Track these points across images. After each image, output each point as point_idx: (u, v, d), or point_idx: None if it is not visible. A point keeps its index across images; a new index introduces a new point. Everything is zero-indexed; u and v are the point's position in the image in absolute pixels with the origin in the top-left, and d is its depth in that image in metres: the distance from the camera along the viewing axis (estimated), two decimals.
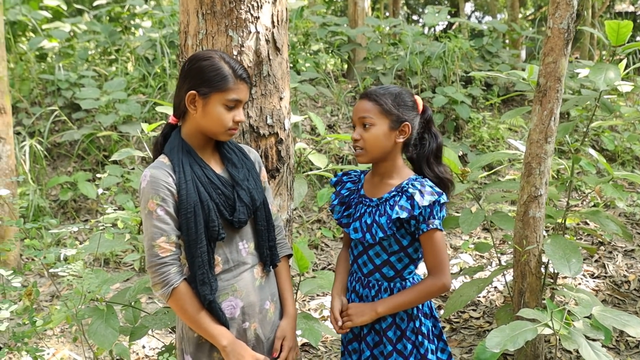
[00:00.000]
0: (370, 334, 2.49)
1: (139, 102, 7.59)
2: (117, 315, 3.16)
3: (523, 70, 4.03)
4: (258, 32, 2.53)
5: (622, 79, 3.58)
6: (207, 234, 2.14)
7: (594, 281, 4.95)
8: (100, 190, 3.83)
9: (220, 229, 2.16)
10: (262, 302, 2.32)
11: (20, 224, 3.31)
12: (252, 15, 2.49)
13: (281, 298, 2.46)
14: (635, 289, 4.83)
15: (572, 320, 2.69)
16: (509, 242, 5.05)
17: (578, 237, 5.73)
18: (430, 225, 2.33)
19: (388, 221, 2.34)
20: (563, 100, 3.56)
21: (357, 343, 2.55)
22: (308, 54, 9.40)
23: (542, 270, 3.52)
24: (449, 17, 10.96)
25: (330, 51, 9.59)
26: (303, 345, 4.31)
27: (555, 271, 3.98)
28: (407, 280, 2.47)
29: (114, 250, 5.74)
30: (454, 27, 12.93)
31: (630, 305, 4.58)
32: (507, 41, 11.21)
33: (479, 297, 4.91)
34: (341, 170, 2.73)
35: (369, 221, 2.41)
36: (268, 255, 2.36)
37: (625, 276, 5.02)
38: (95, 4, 9.88)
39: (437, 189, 2.35)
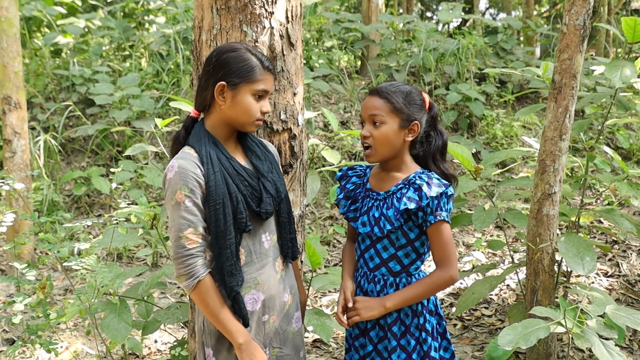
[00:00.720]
0: (374, 329, 2.49)
1: (152, 97, 7.61)
2: (130, 309, 3.18)
3: (537, 67, 4.00)
4: (272, 28, 2.53)
5: (638, 77, 3.55)
6: (235, 226, 2.15)
7: (607, 280, 4.92)
8: (114, 185, 3.84)
9: (248, 220, 2.17)
10: (281, 295, 2.34)
11: (35, 218, 3.33)
12: (266, 10, 2.49)
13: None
14: None
15: (585, 319, 2.68)
16: (522, 240, 5.03)
17: (592, 236, 5.70)
18: (438, 217, 2.33)
19: (396, 213, 2.35)
20: (578, 98, 3.54)
21: (364, 338, 2.54)
22: (321, 51, 9.40)
23: (555, 268, 3.50)
24: (463, 13, 10.93)
25: (343, 48, 9.57)
26: (314, 341, 4.31)
27: (569, 269, 3.95)
28: (413, 276, 2.47)
29: (127, 245, 5.76)
30: (468, 23, 12.88)
31: None
32: (521, 38, 11.15)
33: (492, 294, 4.89)
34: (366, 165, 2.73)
35: (376, 214, 2.41)
36: (289, 248, 2.39)
37: (639, 275, 4.99)
38: (109, 0, 9.92)
39: (444, 181, 2.37)
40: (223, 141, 2.24)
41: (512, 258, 4.05)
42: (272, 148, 2.47)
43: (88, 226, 6.33)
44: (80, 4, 9.86)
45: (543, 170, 3.30)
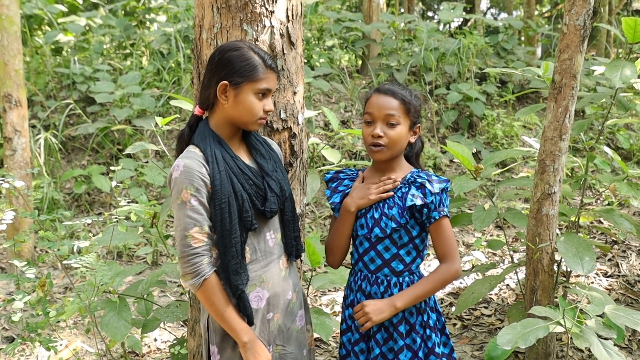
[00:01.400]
0: (380, 331, 2.48)
1: (153, 96, 7.61)
2: (130, 307, 3.18)
3: (538, 67, 4.00)
4: (272, 27, 2.53)
5: (638, 77, 3.55)
6: (241, 225, 2.16)
7: (607, 280, 4.92)
8: (114, 183, 3.85)
9: (253, 219, 2.18)
10: (286, 293, 2.35)
11: (35, 216, 3.33)
12: (266, 9, 2.49)
13: None
14: None
15: (585, 319, 2.68)
16: (522, 240, 5.03)
17: (592, 236, 5.70)
18: (441, 213, 2.40)
19: (400, 211, 2.38)
20: (578, 98, 3.54)
21: (365, 343, 2.54)
22: (322, 50, 9.39)
23: (555, 268, 3.50)
24: (464, 13, 10.92)
25: (344, 47, 9.57)
26: (314, 340, 4.31)
27: (568, 269, 3.96)
28: (415, 274, 2.50)
29: (127, 243, 5.76)
30: (469, 23, 12.88)
31: None
32: (522, 38, 11.14)
33: (491, 294, 4.89)
34: (354, 166, 2.73)
35: (376, 215, 2.43)
36: (293, 246, 2.40)
37: (638, 275, 4.99)
38: None
39: (443, 177, 2.45)
40: (227, 140, 2.24)
41: (512, 258, 4.05)
42: (276, 147, 2.49)
43: (88, 224, 6.33)
44: (81, 2, 9.86)
45: (543, 170, 3.30)
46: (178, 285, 5.15)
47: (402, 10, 12.05)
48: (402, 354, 2.43)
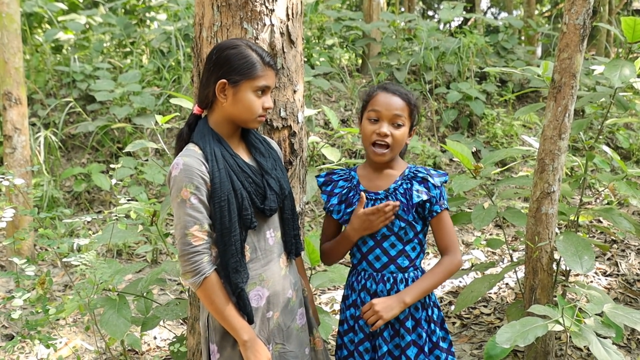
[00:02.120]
0: (387, 328, 2.48)
1: (153, 94, 7.62)
2: (129, 305, 3.18)
3: (538, 66, 4.01)
4: (273, 25, 2.53)
5: (638, 76, 3.55)
6: (240, 223, 2.16)
7: (606, 279, 4.93)
8: (114, 181, 3.85)
9: (253, 217, 2.18)
10: (286, 291, 2.35)
11: (35, 214, 3.33)
12: (266, 7, 2.50)
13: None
14: None
15: (583, 318, 2.68)
16: (521, 239, 5.03)
17: (591, 235, 5.70)
18: (442, 206, 2.44)
19: (406, 207, 2.40)
20: (578, 97, 3.54)
21: (369, 342, 2.54)
22: (322, 49, 9.40)
23: (554, 267, 3.51)
24: (464, 12, 10.92)
25: (344, 46, 9.57)
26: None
27: (567, 268, 3.96)
28: (419, 269, 2.52)
29: (127, 241, 5.76)
30: (469, 22, 12.88)
31: None
32: (522, 37, 11.15)
33: (490, 293, 4.90)
34: (354, 164, 2.74)
35: None
36: (293, 244, 2.40)
37: (637, 274, 4.99)
38: None
39: (441, 171, 2.49)
40: (227, 138, 2.24)
41: (511, 257, 4.05)
42: (275, 145, 2.48)
43: (88, 222, 6.34)
44: (81, 0, 9.85)
45: (542, 169, 3.30)
46: (178, 284, 5.15)
47: (403, 9, 12.05)
48: (410, 350, 2.44)
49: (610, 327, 2.69)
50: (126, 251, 5.90)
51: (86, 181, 6.91)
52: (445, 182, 2.47)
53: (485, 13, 16.81)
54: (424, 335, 2.47)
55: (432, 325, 2.50)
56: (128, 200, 3.62)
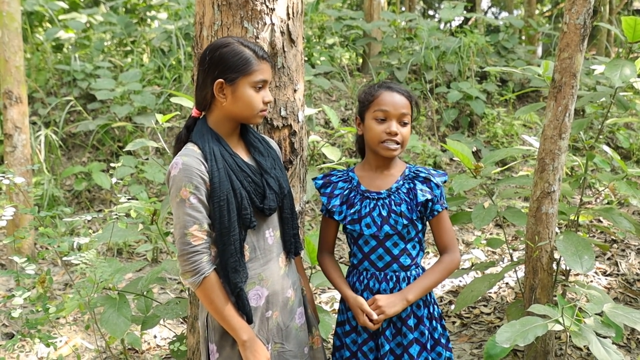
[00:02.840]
0: (389, 327, 2.49)
1: (153, 93, 7.62)
2: (130, 304, 3.18)
3: (539, 66, 4.00)
4: (273, 24, 2.53)
5: (638, 76, 3.55)
6: (239, 222, 2.15)
7: (606, 279, 4.93)
8: (114, 180, 3.85)
9: (252, 216, 2.18)
10: (285, 291, 2.35)
11: (35, 212, 3.33)
12: (267, 6, 2.50)
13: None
14: None
15: (583, 317, 2.68)
16: (521, 238, 5.03)
17: (591, 234, 5.70)
18: (443, 206, 2.48)
19: (409, 207, 2.41)
20: (578, 97, 3.54)
21: (373, 341, 2.54)
22: (323, 48, 9.40)
23: (554, 266, 3.51)
24: (465, 12, 10.92)
25: (345, 45, 9.57)
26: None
27: (567, 268, 3.96)
28: (419, 267, 2.54)
29: (127, 240, 5.77)
30: (470, 22, 12.88)
31: None
32: (523, 37, 11.15)
33: (490, 292, 4.90)
34: (355, 164, 2.74)
35: (384, 213, 2.43)
36: (292, 244, 2.40)
37: (637, 274, 4.99)
38: None
39: (439, 171, 2.51)
40: (226, 137, 2.23)
41: (511, 256, 4.05)
42: (275, 144, 2.48)
43: (88, 221, 6.34)
44: None
45: (542, 168, 3.30)
46: (178, 283, 5.16)
47: (403, 8, 12.05)
48: (412, 348, 2.45)
49: (610, 326, 2.69)
50: (126, 250, 5.90)
51: (87, 180, 6.91)
52: (445, 181, 2.49)
53: (485, 13, 16.81)
54: (427, 332, 2.48)
55: (434, 322, 2.52)
56: (128, 199, 3.61)
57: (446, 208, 2.50)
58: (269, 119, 2.59)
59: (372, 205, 2.47)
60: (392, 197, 2.45)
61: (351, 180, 2.57)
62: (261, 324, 2.28)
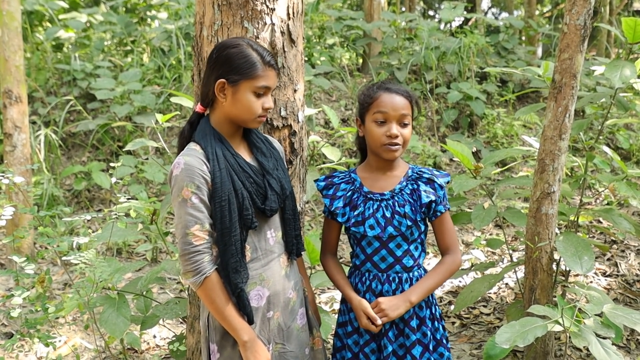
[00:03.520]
0: (391, 328, 2.49)
1: (153, 93, 7.61)
2: (129, 304, 3.18)
3: (539, 67, 4.00)
4: (273, 24, 2.53)
5: (638, 77, 3.55)
6: (241, 223, 2.15)
7: (605, 279, 4.93)
8: (114, 180, 3.85)
9: (254, 217, 2.18)
10: (286, 291, 2.35)
11: (35, 212, 3.33)
12: (267, 6, 2.50)
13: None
14: None
15: (583, 318, 2.68)
16: (521, 239, 5.03)
17: (591, 235, 5.70)
18: (445, 207, 2.48)
19: (414, 208, 2.41)
20: (578, 98, 3.54)
21: (375, 342, 2.53)
22: (323, 48, 9.40)
23: (554, 267, 3.51)
24: (465, 12, 10.92)
25: (345, 45, 9.57)
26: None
27: (567, 268, 3.96)
28: (422, 268, 2.54)
29: (127, 240, 5.77)
30: (470, 22, 12.88)
31: None
32: (523, 38, 11.15)
33: (490, 293, 4.90)
34: (354, 164, 2.74)
35: (387, 214, 2.42)
36: (294, 245, 2.39)
37: (637, 275, 4.99)
38: None
39: (442, 172, 2.50)
40: (228, 137, 2.23)
41: (511, 257, 4.05)
42: (278, 144, 2.47)
43: (87, 220, 6.34)
44: None
45: (542, 169, 3.30)
46: (177, 282, 5.15)
47: (403, 9, 12.05)
48: (415, 349, 2.45)
49: (609, 327, 2.69)
50: (126, 250, 5.90)
51: (86, 179, 6.91)
52: (448, 182, 2.49)
53: (485, 13, 16.81)
54: (429, 333, 2.48)
55: (436, 323, 2.52)
56: (128, 198, 3.61)
57: (449, 209, 2.51)
58: (269, 119, 2.59)
59: (375, 206, 2.46)
60: (396, 198, 2.44)
61: (354, 182, 2.56)
62: (262, 325, 2.28)
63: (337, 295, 4.85)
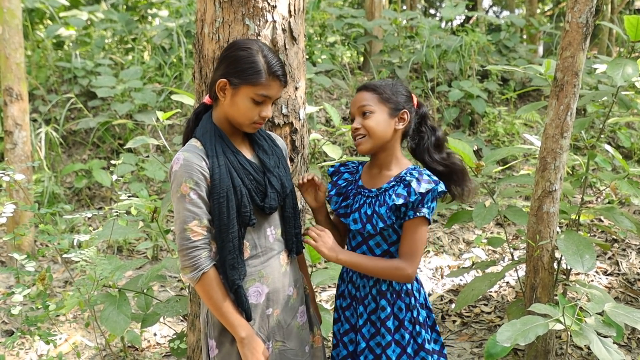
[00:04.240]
0: (366, 325, 2.49)
1: (154, 91, 7.61)
2: (130, 302, 3.18)
3: (540, 65, 4.00)
4: (275, 21, 2.53)
5: None
6: (239, 220, 2.15)
7: (606, 278, 4.92)
8: (114, 178, 3.85)
9: (252, 214, 2.17)
10: (286, 288, 2.34)
11: (35, 209, 3.33)
12: (269, 4, 2.49)
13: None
14: None
15: (584, 317, 2.68)
16: (522, 237, 5.03)
17: (592, 234, 5.70)
18: (418, 213, 2.32)
19: (387, 210, 2.35)
20: (580, 96, 3.54)
21: (354, 334, 2.54)
22: (324, 46, 9.39)
23: (555, 265, 3.50)
24: (466, 10, 10.91)
25: (346, 43, 9.56)
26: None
27: (568, 267, 3.96)
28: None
29: (128, 237, 5.77)
30: (471, 21, 12.87)
31: None
32: (524, 36, 11.14)
33: (491, 291, 4.90)
34: (355, 162, 2.73)
35: (369, 212, 2.40)
36: (294, 242, 2.39)
37: (638, 274, 4.99)
38: None
39: (435, 178, 2.36)
40: (229, 134, 2.23)
41: (512, 255, 4.05)
42: (281, 142, 2.47)
43: (88, 218, 6.34)
44: None
45: (544, 167, 3.30)
46: (178, 280, 5.15)
47: (404, 7, 12.04)
48: (390, 349, 2.43)
49: (611, 326, 2.69)
50: (127, 248, 5.90)
51: (87, 177, 6.91)
52: (434, 190, 2.33)
53: (487, 11, 16.81)
54: (407, 336, 2.44)
55: (418, 327, 2.46)
56: (129, 196, 3.61)
57: (424, 217, 2.34)
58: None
59: (362, 201, 2.46)
60: (379, 197, 2.40)
61: (356, 174, 2.58)
62: (262, 321, 2.28)
63: None
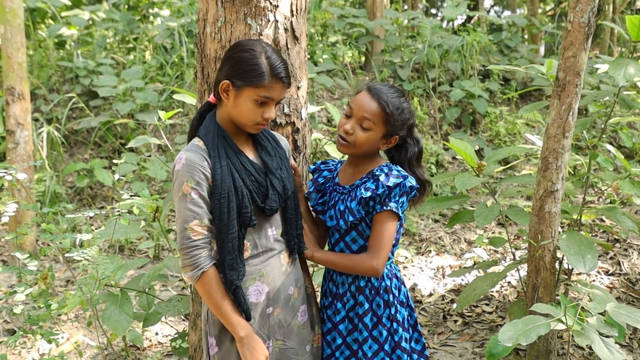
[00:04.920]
0: (343, 322, 2.50)
1: (156, 90, 7.62)
2: (131, 301, 3.19)
3: (542, 65, 4.00)
4: (277, 21, 2.53)
5: None
6: (239, 220, 2.16)
7: (608, 278, 4.92)
8: (116, 177, 3.85)
9: (252, 215, 2.18)
10: (287, 288, 2.35)
11: (37, 209, 3.33)
12: (270, 3, 2.49)
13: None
14: None
15: (586, 317, 2.68)
16: (524, 237, 5.03)
17: (594, 234, 5.69)
18: (385, 207, 2.33)
19: (357, 205, 2.36)
20: (582, 96, 3.54)
21: (336, 332, 2.54)
22: (326, 46, 9.39)
23: (557, 265, 3.50)
24: (468, 10, 10.91)
25: (348, 43, 9.56)
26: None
27: (570, 267, 3.96)
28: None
29: (129, 237, 5.77)
30: (472, 20, 12.86)
31: None
32: (526, 36, 11.13)
33: (493, 291, 4.89)
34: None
35: (341, 208, 2.42)
36: (295, 243, 2.39)
37: None
38: None
39: (404, 173, 2.36)
40: (233, 134, 2.23)
41: (514, 255, 4.05)
42: (285, 142, 2.47)
43: (90, 218, 6.34)
44: None
45: (546, 167, 3.30)
46: (180, 280, 5.16)
47: (406, 7, 12.04)
48: (366, 345, 2.44)
49: (612, 326, 2.69)
50: (128, 247, 5.91)
51: (89, 177, 6.91)
52: (402, 184, 2.32)
53: (488, 11, 16.80)
54: (385, 333, 2.44)
55: (395, 324, 2.45)
56: (130, 196, 3.61)
57: (392, 211, 2.34)
58: None
59: (337, 198, 2.47)
60: (351, 193, 2.42)
61: (334, 171, 2.60)
62: (262, 320, 2.28)
63: None
